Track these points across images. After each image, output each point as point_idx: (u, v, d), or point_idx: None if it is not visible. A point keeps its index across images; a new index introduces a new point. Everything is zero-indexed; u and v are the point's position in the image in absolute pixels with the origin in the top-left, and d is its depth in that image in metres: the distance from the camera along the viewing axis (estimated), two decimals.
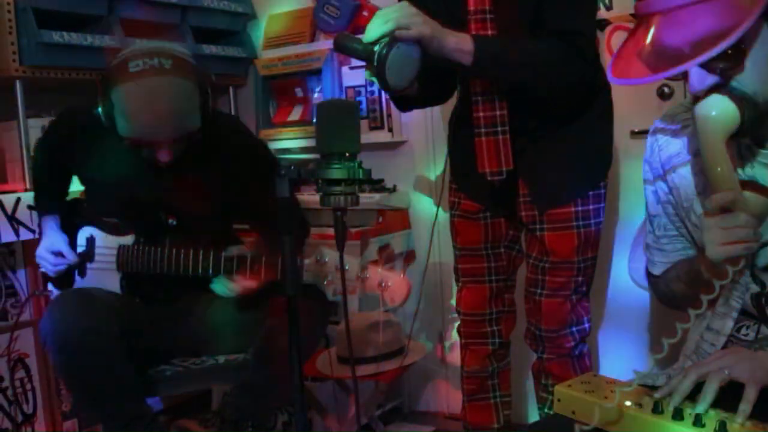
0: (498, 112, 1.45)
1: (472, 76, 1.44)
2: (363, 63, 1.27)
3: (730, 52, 0.93)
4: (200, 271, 1.52)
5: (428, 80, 1.34)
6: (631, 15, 2.02)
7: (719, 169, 0.96)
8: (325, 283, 1.28)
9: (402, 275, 1.26)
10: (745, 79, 0.96)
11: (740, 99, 0.96)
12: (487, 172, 1.48)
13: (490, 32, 1.40)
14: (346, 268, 1.25)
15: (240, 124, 1.79)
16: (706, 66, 0.95)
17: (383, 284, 1.22)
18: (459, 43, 1.30)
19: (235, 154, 1.65)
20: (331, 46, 2.39)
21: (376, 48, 1.20)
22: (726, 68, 0.96)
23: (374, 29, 1.22)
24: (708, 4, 0.93)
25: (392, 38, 1.20)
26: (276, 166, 1.63)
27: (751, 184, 1.00)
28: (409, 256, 2.17)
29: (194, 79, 1.47)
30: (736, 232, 0.95)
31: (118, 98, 1.44)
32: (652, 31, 0.99)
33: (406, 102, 1.49)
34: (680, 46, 0.94)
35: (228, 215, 1.73)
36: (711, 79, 0.97)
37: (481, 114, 1.46)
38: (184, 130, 1.48)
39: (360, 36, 1.25)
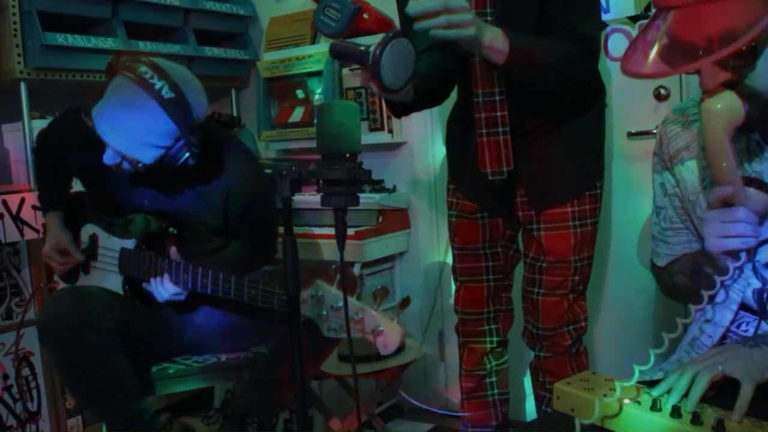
0: (499, 113, 1.46)
1: (497, 71, 1.42)
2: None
3: (745, 49, 0.93)
4: (199, 288, 1.50)
5: (424, 84, 1.35)
6: (630, 19, 2.05)
7: (722, 163, 0.97)
8: (321, 318, 1.25)
9: (395, 322, 1.24)
10: (757, 77, 0.97)
11: (749, 96, 0.96)
12: (488, 172, 1.49)
13: None
14: (339, 305, 1.22)
15: (247, 157, 1.74)
16: (719, 63, 0.95)
17: (376, 330, 1.21)
18: (492, 42, 1.28)
19: (232, 183, 1.64)
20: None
21: (370, 48, 1.19)
22: (739, 65, 0.96)
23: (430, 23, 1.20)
24: (726, 2, 0.92)
25: (386, 37, 1.19)
26: (270, 205, 1.58)
27: (755, 181, 1.01)
28: (404, 303, 2.17)
29: (176, 126, 1.45)
30: (734, 226, 0.96)
31: (109, 84, 1.49)
32: (668, 25, 0.98)
33: (401, 108, 1.48)
34: (696, 42, 0.94)
35: (225, 234, 1.72)
36: (723, 76, 0.97)
37: (483, 115, 1.47)
38: (128, 151, 1.45)
39: (358, 42, 1.25)
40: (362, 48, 1.21)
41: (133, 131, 1.44)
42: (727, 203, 0.97)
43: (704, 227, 1.00)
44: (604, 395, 0.94)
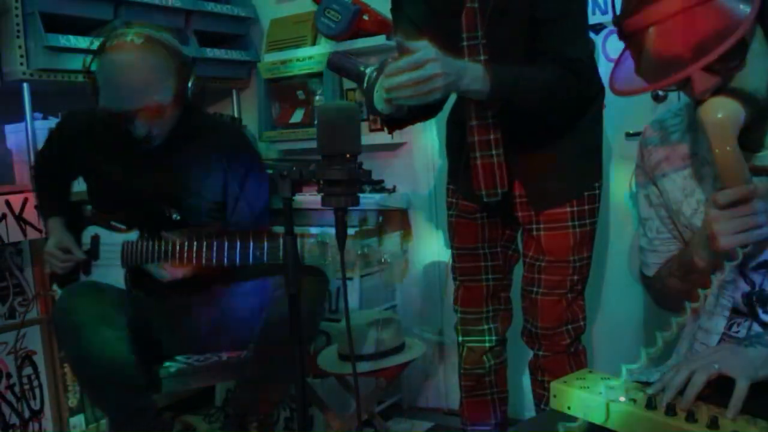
0: (492, 136, 1.47)
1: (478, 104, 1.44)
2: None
3: (734, 48, 0.92)
4: (203, 261, 1.53)
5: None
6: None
7: (734, 166, 0.95)
8: (326, 263, 1.27)
9: (399, 252, 1.26)
10: (745, 77, 0.97)
11: (742, 97, 0.96)
12: (482, 194, 1.50)
13: (481, 57, 1.41)
14: (347, 248, 1.25)
15: (240, 131, 1.84)
16: (709, 67, 0.95)
17: (383, 262, 1.22)
18: (470, 85, 1.28)
19: (229, 156, 1.69)
20: (333, 49, 2.45)
21: (368, 71, 1.20)
22: (729, 67, 0.96)
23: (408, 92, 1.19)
24: (704, 6, 0.93)
25: (383, 63, 1.20)
26: (264, 179, 1.63)
27: (758, 168, 1.01)
28: (405, 235, 2.18)
29: (165, 57, 1.56)
30: (749, 219, 0.95)
31: (97, 70, 1.57)
32: (649, 43, 0.98)
33: (396, 123, 1.47)
34: (681, 52, 0.94)
35: (223, 215, 1.75)
36: (713, 81, 0.97)
37: (476, 138, 1.48)
38: (148, 100, 1.54)
39: (355, 57, 1.25)
40: (360, 68, 1.22)
41: (139, 82, 1.54)
42: (738, 202, 0.96)
43: (713, 227, 0.98)
44: (600, 393, 0.96)
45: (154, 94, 1.56)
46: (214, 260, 1.52)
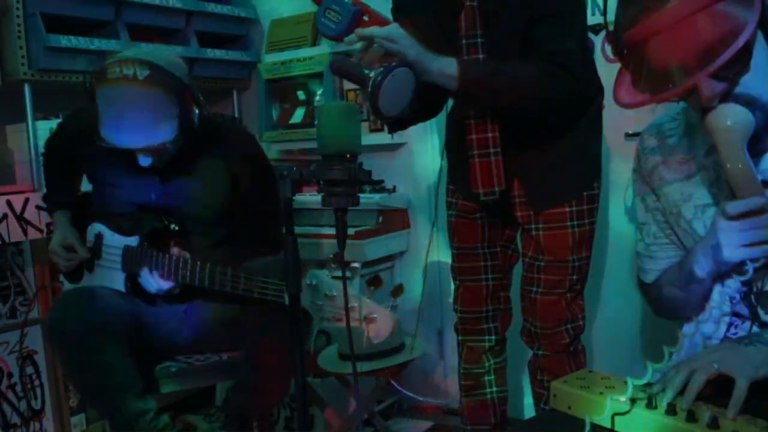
0: (490, 134, 1.47)
1: (460, 98, 1.46)
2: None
3: (738, 53, 0.91)
4: (197, 281, 1.54)
5: (418, 101, 1.34)
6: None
7: (745, 175, 0.95)
8: (315, 307, 1.26)
9: (387, 311, 1.25)
10: (750, 81, 0.96)
11: (749, 102, 0.95)
12: (480, 192, 1.51)
13: (480, 56, 1.42)
14: (333, 294, 1.25)
15: (250, 140, 1.79)
16: (715, 74, 0.93)
17: (369, 317, 1.21)
18: (442, 68, 1.31)
19: (237, 167, 1.68)
20: (333, 50, 2.46)
21: (372, 74, 1.21)
22: (734, 72, 0.95)
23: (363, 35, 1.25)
24: (705, 13, 0.92)
25: (389, 66, 1.21)
26: (275, 187, 1.68)
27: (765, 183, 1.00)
28: (396, 290, 2.19)
29: (170, 91, 1.50)
30: (759, 232, 0.94)
31: (97, 101, 1.51)
32: (651, 54, 0.96)
33: (397, 124, 1.47)
34: (686, 61, 0.92)
35: (230, 222, 1.75)
36: (720, 87, 0.95)
37: (474, 136, 1.48)
38: (151, 141, 1.50)
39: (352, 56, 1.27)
40: (364, 71, 1.23)
41: (142, 121, 1.48)
42: (748, 213, 0.95)
43: (720, 237, 0.98)
44: (600, 393, 0.96)
45: (157, 136, 1.50)
46: (205, 284, 1.52)
